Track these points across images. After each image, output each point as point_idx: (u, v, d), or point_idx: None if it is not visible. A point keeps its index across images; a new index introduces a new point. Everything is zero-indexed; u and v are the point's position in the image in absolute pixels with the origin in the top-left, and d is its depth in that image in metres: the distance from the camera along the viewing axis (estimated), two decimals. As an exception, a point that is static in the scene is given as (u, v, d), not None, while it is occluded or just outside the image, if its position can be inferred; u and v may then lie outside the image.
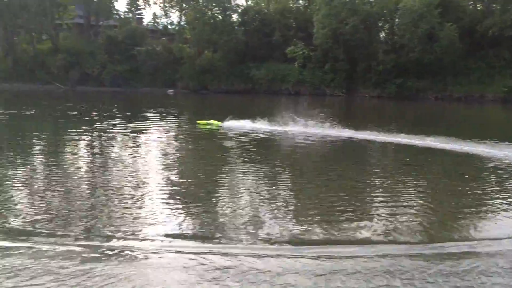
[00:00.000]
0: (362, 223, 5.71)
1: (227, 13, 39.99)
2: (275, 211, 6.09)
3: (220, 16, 39.60)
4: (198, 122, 16.79)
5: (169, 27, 45.88)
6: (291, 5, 41.22)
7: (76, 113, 18.73)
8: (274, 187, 7.48)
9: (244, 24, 39.43)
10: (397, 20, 35.39)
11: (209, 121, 16.68)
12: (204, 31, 37.89)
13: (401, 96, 32.66)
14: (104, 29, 41.78)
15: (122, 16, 44.09)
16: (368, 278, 4.19)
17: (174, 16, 45.34)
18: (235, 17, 40.82)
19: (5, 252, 4.65)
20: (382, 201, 6.73)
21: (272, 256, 4.67)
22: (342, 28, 33.50)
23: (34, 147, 11.60)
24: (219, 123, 16.27)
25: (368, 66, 34.35)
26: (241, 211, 6.09)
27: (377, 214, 6.12)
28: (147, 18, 60.19)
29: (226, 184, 7.68)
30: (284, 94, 34.80)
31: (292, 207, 6.41)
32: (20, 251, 4.67)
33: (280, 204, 6.48)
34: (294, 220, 5.83)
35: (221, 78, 37.03)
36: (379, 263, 4.52)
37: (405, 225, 5.68)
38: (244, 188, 7.39)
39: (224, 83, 36.82)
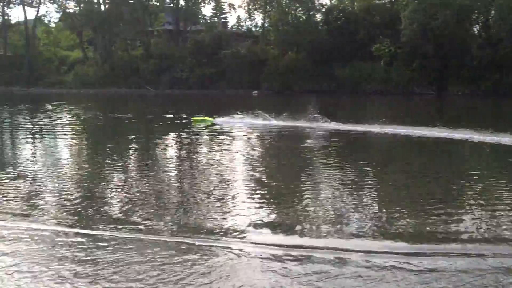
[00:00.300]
0: (461, 222, 5.73)
1: (311, 13, 40.28)
2: (366, 208, 6.27)
3: (303, 16, 39.98)
4: (193, 118, 17.91)
5: (253, 29, 47.13)
6: (376, 2, 40.51)
7: (170, 116, 19.84)
8: (367, 187, 7.69)
9: (328, 23, 39.43)
10: (492, 13, 33.53)
11: (203, 118, 17.90)
12: (287, 32, 38.50)
13: (497, 93, 30.88)
14: (191, 34, 43.87)
15: (208, 21, 45.97)
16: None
17: (258, 18, 46.40)
18: (318, 16, 41.02)
19: (99, 243, 5.14)
20: (480, 202, 6.66)
21: (357, 251, 4.74)
22: (432, 23, 32.38)
23: (130, 146, 12.84)
24: (211, 119, 17.67)
25: (461, 62, 32.86)
26: (327, 207, 6.32)
27: (474, 213, 6.11)
28: (231, 21, 61.98)
29: (313, 182, 7.94)
30: (369, 94, 34.34)
31: (382, 204, 6.57)
32: (116, 242, 5.15)
33: (372, 202, 6.72)
34: (383, 217, 5.99)
35: (305, 79, 37.30)
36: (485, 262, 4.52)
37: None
38: (332, 186, 7.63)
39: (308, 83, 37.02)
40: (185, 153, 11.87)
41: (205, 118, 17.85)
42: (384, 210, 6.33)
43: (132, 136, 14.56)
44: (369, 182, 8.09)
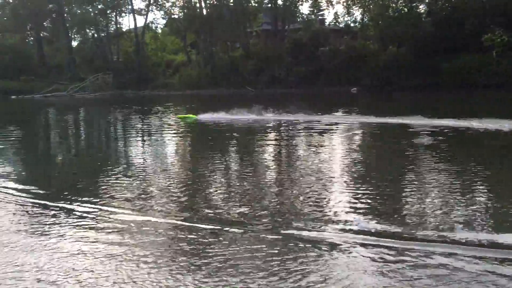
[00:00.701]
0: None
1: (413, 4, 38.92)
2: (475, 211, 6.14)
3: (405, 9, 38.77)
4: (178, 116, 19.83)
5: (352, 25, 46.66)
6: (487, -12, 37.97)
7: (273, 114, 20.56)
8: (477, 183, 7.63)
9: (432, 14, 37.79)
10: None
11: (187, 115, 19.81)
12: (388, 26, 37.61)
13: None
14: (289, 33, 44.59)
15: (306, 19, 46.35)
16: None
17: (357, 13, 45.85)
18: (421, 8, 39.53)
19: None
20: None
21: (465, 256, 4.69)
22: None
23: (230, 144, 13.78)
24: (195, 116, 19.39)
25: None
26: (431, 207, 6.32)
27: None
28: (329, 18, 62.13)
29: (417, 182, 7.91)
30: (478, 88, 32.34)
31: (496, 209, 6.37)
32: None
33: (482, 196, 6.70)
34: (499, 212, 5.94)
35: (407, 73, 36.14)
36: None
37: None
38: (437, 186, 7.54)
39: (410, 78, 35.80)
40: (285, 151, 12.41)
41: (189, 115, 19.90)
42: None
43: (235, 135, 15.52)
44: (480, 178, 8.00)
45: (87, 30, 55.56)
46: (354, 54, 39.35)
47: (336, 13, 49.50)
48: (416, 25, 37.10)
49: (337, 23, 48.46)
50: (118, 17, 54.79)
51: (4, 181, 8.88)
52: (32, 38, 58.99)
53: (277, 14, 45.52)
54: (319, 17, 49.19)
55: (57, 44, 56.77)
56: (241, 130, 16.89)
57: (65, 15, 54.83)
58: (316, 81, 39.92)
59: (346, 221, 5.81)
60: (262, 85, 41.83)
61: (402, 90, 34.12)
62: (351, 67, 38.92)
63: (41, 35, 57.67)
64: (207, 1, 48.87)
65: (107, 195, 7.56)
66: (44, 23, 57.10)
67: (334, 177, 8.38)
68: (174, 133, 16.81)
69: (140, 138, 16.26)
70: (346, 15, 47.17)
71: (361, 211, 6.26)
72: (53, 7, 54.86)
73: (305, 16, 47.03)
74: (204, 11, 49.18)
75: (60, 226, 6.08)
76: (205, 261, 4.83)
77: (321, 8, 48.15)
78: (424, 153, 10.75)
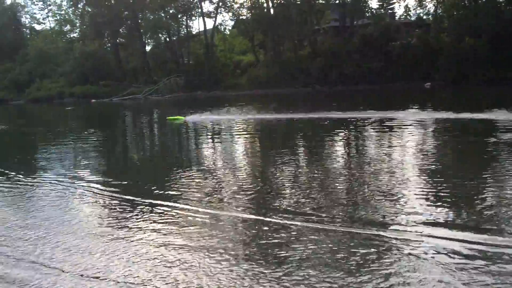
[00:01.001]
0: None
1: (492, -8, 36.97)
2: None
3: (482, -2, 36.93)
4: (168, 118, 20.95)
5: (424, 17, 45.07)
6: None
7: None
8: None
9: (513, 3, 35.69)
10: None
11: (176, 117, 20.95)
12: (464, 17, 35.97)
13: None
14: (358, 29, 43.94)
15: (375, 13, 45.40)
16: None
17: (430, 5, 44.20)
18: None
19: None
20: None
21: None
22: None
23: (300, 142, 13.90)
24: (183, 118, 20.63)
25: None
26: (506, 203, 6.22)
27: None
28: (399, 11, 60.91)
29: (501, 180, 7.74)
30: None
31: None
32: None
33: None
34: None
35: (485, 67, 34.37)
36: None
37: None
38: None
39: (488, 72, 34.01)
40: (354, 149, 12.46)
41: (178, 117, 21.11)
42: None
43: (304, 133, 15.73)
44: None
45: (160, 35, 57.96)
46: (427, 47, 38.09)
47: (407, 5, 48.12)
48: (495, 15, 35.18)
49: (408, 16, 47.04)
50: (188, 21, 56.79)
51: (88, 178, 9.83)
52: (109, 45, 62.47)
53: (345, 10, 45.02)
54: (389, 11, 47.96)
55: (132, 49, 59.70)
56: (311, 128, 17.08)
57: (139, 21, 57.55)
58: (386, 77, 39.05)
59: (426, 220, 5.84)
60: (330, 83, 41.57)
61: (479, 84, 32.54)
62: (424, 61, 37.71)
63: (117, 41, 60.92)
64: (274, 1, 49.39)
65: (184, 192, 8.12)
66: (120, 30, 60.20)
67: (411, 175, 8.37)
68: (245, 132, 17.34)
69: (211, 137, 16.95)
70: (418, 7, 45.67)
71: (440, 209, 6.24)
72: (128, 14, 57.76)
73: (374, 11, 46.06)
74: (272, 11, 49.71)
75: (144, 220, 6.69)
76: (284, 258, 5.01)
77: (391, 2, 46.90)
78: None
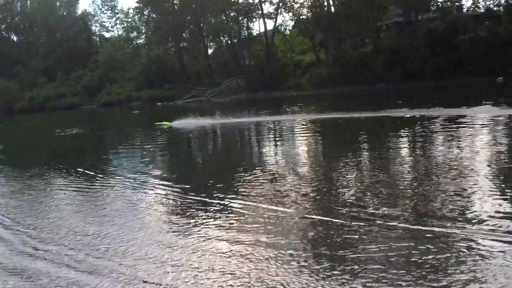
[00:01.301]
0: None
1: None
2: None
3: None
4: (156, 124, 22.33)
5: (494, 8, 42.85)
6: None
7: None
8: None
9: None
10: None
11: (163, 122, 22.38)
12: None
13: None
14: (423, 23, 42.58)
15: (441, 7, 43.79)
16: None
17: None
18: None
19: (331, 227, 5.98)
20: None
21: None
22: None
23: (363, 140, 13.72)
24: (169, 123, 22.14)
25: None
26: None
27: None
28: (467, 3, 58.30)
29: None
30: None
31: None
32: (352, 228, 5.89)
33: None
34: None
35: None
36: None
37: None
38: None
39: None
40: (419, 147, 12.15)
41: (165, 122, 22.53)
42: None
43: (370, 132, 15.51)
44: None
45: (221, 38, 59.13)
46: (498, 40, 36.23)
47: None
48: None
49: (476, 8, 44.89)
50: (249, 23, 57.48)
51: (156, 178, 10.30)
52: (173, 49, 64.51)
53: (410, 5, 43.69)
54: (456, 4, 46.05)
55: (195, 53, 61.31)
56: (377, 126, 16.84)
57: (201, 25, 59.00)
58: (455, 72, 37.58)
59: (495, 222, 5.69)
60: (395, 80, 40.57)
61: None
62: (495, 55, 35.89)
63: (181, 45, 62.79)
64: (335, -1, 48.96)
65: (251, 191, 8.36)
66: (183, 34, 62.00)
67: (480, 175, 8.07)
68: (307, 132, 17.37)
69: (273, 138, 17.12)
70: (488, -2, 43.46)
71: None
72: (191, 19, 59.38)
73: (440, 4, 44.41)
74: (332, 9, 49.27)
75: (214, 218, 7.01)
76: (351, 259, 5.01)
77: (458, -6, 45.06)
78: None
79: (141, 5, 63.00)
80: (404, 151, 11.75)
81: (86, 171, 11.87)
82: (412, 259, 4.82)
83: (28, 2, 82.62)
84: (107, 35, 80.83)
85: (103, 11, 78.30)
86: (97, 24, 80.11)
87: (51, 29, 73.97)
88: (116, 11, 77.65)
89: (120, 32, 77.57)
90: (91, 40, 78.95)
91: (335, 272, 4.76)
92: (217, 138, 19.77)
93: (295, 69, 52.78)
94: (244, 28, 57.67)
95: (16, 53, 77.28)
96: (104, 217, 7.52)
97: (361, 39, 47.87)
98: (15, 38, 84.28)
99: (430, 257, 4.82)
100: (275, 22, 55.30)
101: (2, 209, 8.70)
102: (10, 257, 5.99)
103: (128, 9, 77.63)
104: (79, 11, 79.08)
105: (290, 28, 58.86)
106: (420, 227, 5.65)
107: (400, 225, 5.81)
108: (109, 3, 77.38)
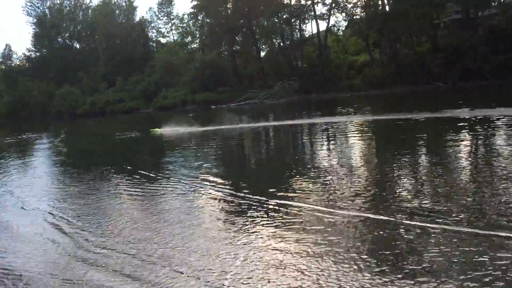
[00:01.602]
0: None
1: None
2: None
3: None
4: (150, 130, 24.91)
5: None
6: None
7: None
8: None
9: None
10: None
11: (155, 129, 24.98)
12: None
13: None
14: (484, 20, 40.95)
15: (503, 2, 41.99)
16: None
17: None
18: None
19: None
20: None
21: None
22: None
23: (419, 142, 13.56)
24: (159, 130, 24.51)
25: None
26: None
27: None
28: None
29: None
30: None
31: None
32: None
33: None
34: None
35: None
36: None
37: None
38: None
39: None
40: (483, 149, 11.74)
41: (156, 129, 24.98)
42: None
43: (427, 134, 15.19)
44: None
45: (274, 40, 59.46)
46: None
47: (541, -10, 43.39)
48: None
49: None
50: (301, 24, 57.47)
51: (211, 178, 10.61)
52: (226, 53, 65.59)
53: (469, 1, 42.15)
54: (519, -2, 43.95)
55: (248, 56, 62.01)
56: (434, 128, 16.44)
57: (254, 28, 59.61)
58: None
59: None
60: (453, 79, 39.27)
61: None
62: None
63: (234, 48, 63.72)
64: (390, -3, 47.99)
65: (305, 192, 8.50)
66: (236, 38, 62.88)
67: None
68: (360, 134, 17.22)
69: (326, 139, 17.11)
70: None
71: None
72: (244, 23, 60.14)
73: (501, 0, 42.58)
74: (387, 8, 48.34)
75: (272, 219, 7.15)
76: (408, 260, 5.04)
77: (522, -12, 42.99)
78: None
79: (195, 10, 64.64)
80: (467, 153, 11.39)
81: (146, 173, 12.39)
82: (477, 266, 4.76)
83: (90, 11, 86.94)
84: (163, 40, 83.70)
85: (159, 17, 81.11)
86: (154, 30, 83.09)
87: (111, 37, 77.24)
88: (171, 17, 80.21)
89: (175, 37, 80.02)
90: (148, 45, 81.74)
91: (398, 276, 4.78)
92: (269, 139, 20.01)
93: (348, 70, 52.21)
94: (297, 30, 57.80)
95: (78, 60, 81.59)
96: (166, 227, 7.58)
97: (417, 37, 46.64)
98: (77, 46, 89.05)
99: (497, 262, 4.76)
100: (328, 23, 55.02)
101: (66, 211, 9.22)
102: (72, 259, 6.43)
103: (183, 14, 79.76)
104: (137, 18, 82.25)
105: (343, 28, 58.37)
106: (487, 232, 5.56)
107: (463, 229, 5.74)
108: (165, 10, 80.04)
